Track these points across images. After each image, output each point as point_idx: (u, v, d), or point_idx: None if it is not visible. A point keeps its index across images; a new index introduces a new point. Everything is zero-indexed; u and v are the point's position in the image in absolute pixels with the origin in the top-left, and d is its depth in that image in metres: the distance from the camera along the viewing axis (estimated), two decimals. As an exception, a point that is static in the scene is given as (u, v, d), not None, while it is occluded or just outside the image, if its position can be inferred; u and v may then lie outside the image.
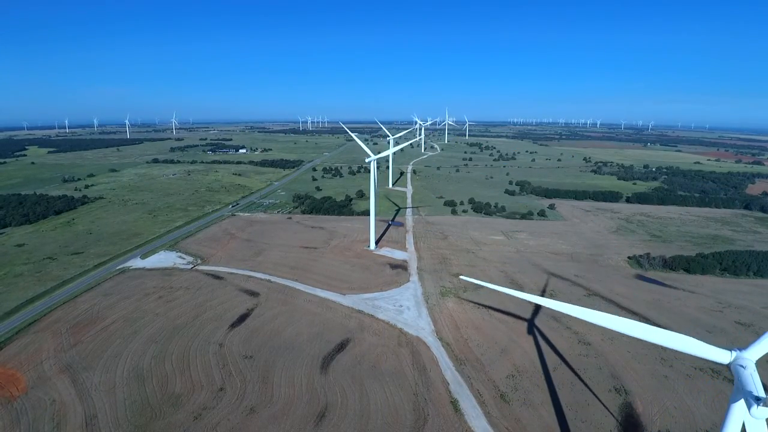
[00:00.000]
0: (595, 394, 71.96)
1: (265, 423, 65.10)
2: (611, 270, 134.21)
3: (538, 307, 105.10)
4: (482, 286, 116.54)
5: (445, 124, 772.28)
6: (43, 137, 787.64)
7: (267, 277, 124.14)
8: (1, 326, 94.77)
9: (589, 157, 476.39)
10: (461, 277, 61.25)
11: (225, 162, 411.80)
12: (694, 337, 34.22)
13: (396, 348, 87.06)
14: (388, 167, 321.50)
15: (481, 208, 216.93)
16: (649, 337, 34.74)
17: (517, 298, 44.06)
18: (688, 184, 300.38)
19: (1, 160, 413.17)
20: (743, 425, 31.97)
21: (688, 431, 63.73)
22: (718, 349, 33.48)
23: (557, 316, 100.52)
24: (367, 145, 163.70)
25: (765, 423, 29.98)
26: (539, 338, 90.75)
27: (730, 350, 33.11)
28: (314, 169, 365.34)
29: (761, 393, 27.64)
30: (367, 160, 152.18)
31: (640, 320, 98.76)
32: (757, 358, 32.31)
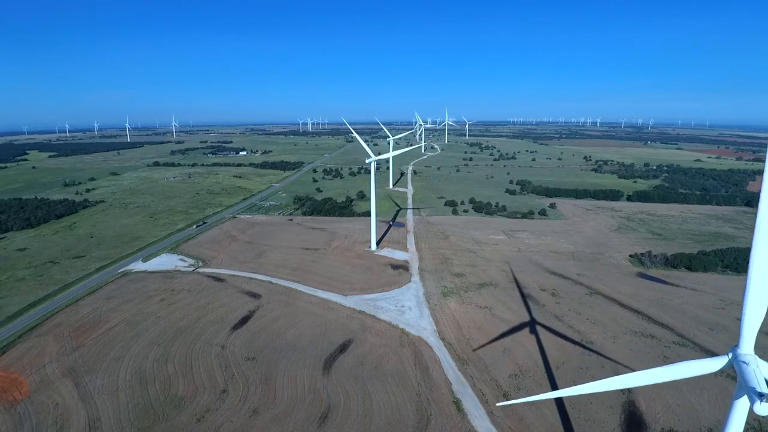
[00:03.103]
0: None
1: (267, 424, 65.11)
2: (613, 268, 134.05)
3: (540, 307, 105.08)
4: (484, 285, 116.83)
5: (445, 125, 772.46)
6: (43, 141, 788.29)
7: (268, 278, 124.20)
8: (3, 330, 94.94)
9: (590, 156, 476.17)
10: (500, 403, 54.10)
11: (225, 164, 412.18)
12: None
13: (398, 348, 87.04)
14: (388, 168, 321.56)
15: (481, 208, 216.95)
16: (646, 381, 35.03)
17: (517, 298, 43.86)
18: (689, 182, 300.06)
19: (2, 165, 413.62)
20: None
21: (692, 429, 63.60)
22: (713, 359, 33.60)
23: (559, 315, 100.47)
24: (367, 145, 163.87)
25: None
26: (541, 337, 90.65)
27: (727, 353, 33.19)
28: (315, 171, 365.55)
29: (764, 389, 27.57)
30: (367, 161, 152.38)
31: (642, 318, 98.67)
32: (752, 349, 32.19)
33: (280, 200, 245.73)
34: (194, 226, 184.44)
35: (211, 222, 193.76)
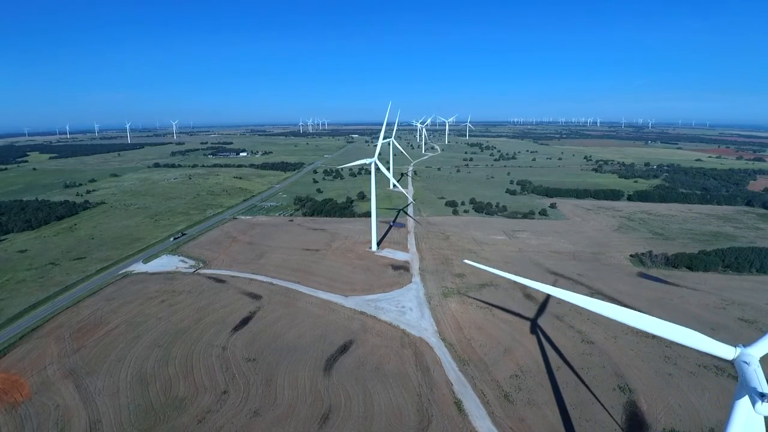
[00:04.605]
0: (595, 396, 71.74)
1: (269, 425, 65.08)
2: (613, 268, 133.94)
3: (540, 307, 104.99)
4: (485, 286, 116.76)
5: (445, 125, 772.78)
6: (44, 143, 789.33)
7: (269, 279, 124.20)
8: (4, 332, 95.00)
9: (590, 156, 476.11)
10: (465, 261, 64.68)
11: (226, 165, 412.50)
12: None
13: (399, 349, 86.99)
14: (388, 168, 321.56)
15: (482, 208, 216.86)
16: (654, 330, 35.23)
17: (518, 298, 44.09)
18: (690, 182, 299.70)
19: (3, 167, 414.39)
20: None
21: (693, 429, 63.49)
22: (723, 344, 33.52)
23: (560, 314, 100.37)
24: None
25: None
26: (542, 338, 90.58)
27: (735, 346, 33.10)
28: (315, 172, 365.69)
29: (765, 389, 27.54)
30: (367, 162, 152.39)
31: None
32: (761, 355, 32.24)
33: (280, 201, 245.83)
34: (171, 239, 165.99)
35: (200, 229, 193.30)
